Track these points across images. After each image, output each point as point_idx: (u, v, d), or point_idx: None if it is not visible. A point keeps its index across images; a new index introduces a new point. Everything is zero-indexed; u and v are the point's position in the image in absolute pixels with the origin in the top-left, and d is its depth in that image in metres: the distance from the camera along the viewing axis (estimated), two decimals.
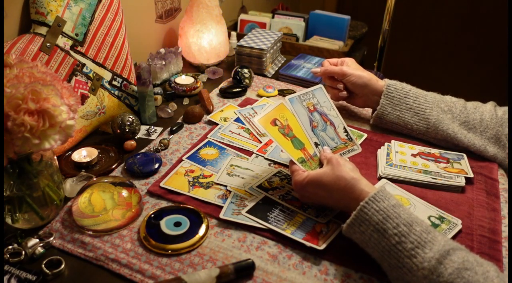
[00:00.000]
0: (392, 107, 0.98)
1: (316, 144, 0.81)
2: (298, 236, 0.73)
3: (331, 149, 0.82)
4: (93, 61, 0.97)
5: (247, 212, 0.78)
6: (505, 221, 0.79)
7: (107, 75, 1.01)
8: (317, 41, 1.71)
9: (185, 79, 1.23)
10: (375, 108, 1.03)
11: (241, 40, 1.36)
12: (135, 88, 1.08)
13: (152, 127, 1.05)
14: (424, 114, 0.96)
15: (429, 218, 0.78)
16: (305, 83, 1.28)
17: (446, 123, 0.95)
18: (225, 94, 1.20)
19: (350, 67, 1.04)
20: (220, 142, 0.99)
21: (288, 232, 0.74)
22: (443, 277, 0.59)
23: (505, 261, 0.71)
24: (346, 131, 0.86)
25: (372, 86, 1.01)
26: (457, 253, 0.60)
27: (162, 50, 1.30)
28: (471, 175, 0.88)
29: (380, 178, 0.88)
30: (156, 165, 0.90)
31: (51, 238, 0.72)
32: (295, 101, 0.83)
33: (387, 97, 0.99)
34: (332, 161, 0.75)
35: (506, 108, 0.95)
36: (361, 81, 1.01)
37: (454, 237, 0.75)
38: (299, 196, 0.79)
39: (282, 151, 0.95)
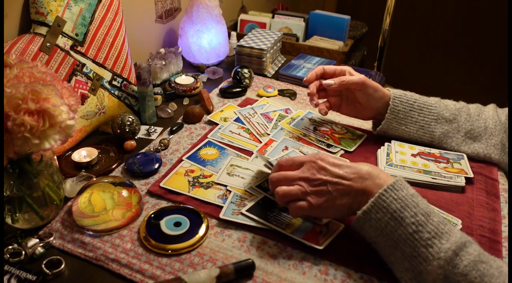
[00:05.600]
0: (398, 121, 0.96)
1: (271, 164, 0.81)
2: (298, 236, 0.73)
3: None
4: (93, 61, 0.97)
5: (247, 211, 0.78)
6: (505, 221, 0.79)
7: (107, 75, 1.01)
8: (317, 41, 1.71)
9: (185, 79, 1.23)
10: (375, 117, 1.00)
11: (241, 40, 1.36)
12: (135, 88, 1.08)
13: (152, 127, 1.05)
14: (430, 127, 0.95)
15: None
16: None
17: (450, 136, 0.94)
18: (225, 94, 1.20)
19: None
20: (220, 142, 0.99)
21: (288, 232, 0.74)
22: (458, 268, 0.59)
23: (505, 261, 0.71)
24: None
25: (376, 85, 0.95)
26: (473, 246, 0.62)
27: (162, 50, 1.30)
28: (471, 175, 0.88)
29: None
30: (156, 165, 0.90)
31: (51, 238, 0.72)
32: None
33: (392, 111, 0.95)
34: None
35: (507, 111, 0.94)
36: (363, 77, 0.94)
37: None
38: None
39: (283, 150, 0.95)
